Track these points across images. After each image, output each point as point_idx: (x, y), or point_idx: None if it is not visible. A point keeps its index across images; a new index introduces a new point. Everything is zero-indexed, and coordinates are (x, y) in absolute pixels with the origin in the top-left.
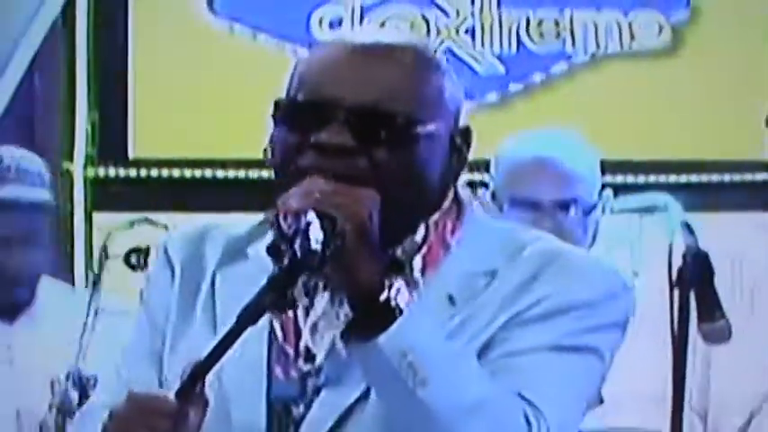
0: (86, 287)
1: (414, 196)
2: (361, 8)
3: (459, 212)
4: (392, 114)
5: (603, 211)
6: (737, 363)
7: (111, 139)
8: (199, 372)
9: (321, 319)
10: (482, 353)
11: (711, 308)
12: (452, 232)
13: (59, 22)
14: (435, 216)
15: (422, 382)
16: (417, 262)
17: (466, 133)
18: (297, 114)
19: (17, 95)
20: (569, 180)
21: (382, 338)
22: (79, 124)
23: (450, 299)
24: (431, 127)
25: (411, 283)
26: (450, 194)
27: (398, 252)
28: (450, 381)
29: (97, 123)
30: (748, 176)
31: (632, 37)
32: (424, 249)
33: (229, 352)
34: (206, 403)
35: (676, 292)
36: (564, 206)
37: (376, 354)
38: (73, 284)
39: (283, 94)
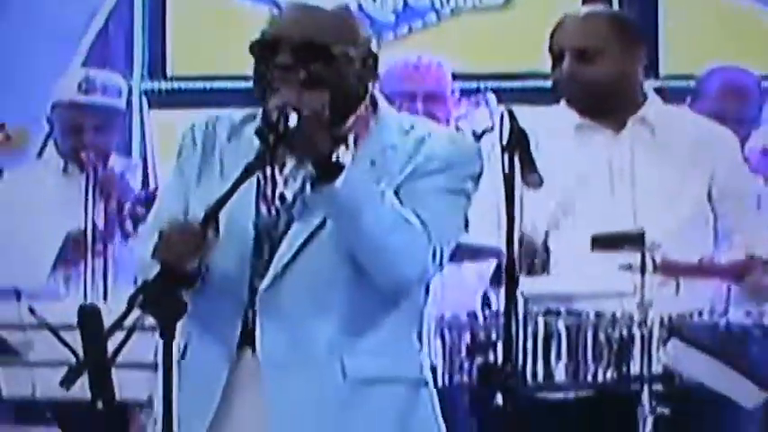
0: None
1: (340, 95)
2: None
3: (375, 107)
4: (315, 42)
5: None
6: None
7: (156, 63)
8: (216, 208)
9: (289, 175)
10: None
11: (529, 165)
12: (371, 119)
13: None
14: (360, 110)
15: (360, 211)
16: (351, 138)
17: (374, 56)
18: (264, 47)
19: (97, 40)
20: (435, 79)
21: (338, 183)
22: (137, 54)
23: (372, 162)
24: (342, 49)
25: (348, 151)
26: (368, 96)
27: (340, 132)
28: (378, 208)
29: (147, 54)
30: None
31: None
32: (354, 131)
33: (234, 196)
34: (218, 229)
35: (506, 155)
36: (431, 96)
37: (334, 194)
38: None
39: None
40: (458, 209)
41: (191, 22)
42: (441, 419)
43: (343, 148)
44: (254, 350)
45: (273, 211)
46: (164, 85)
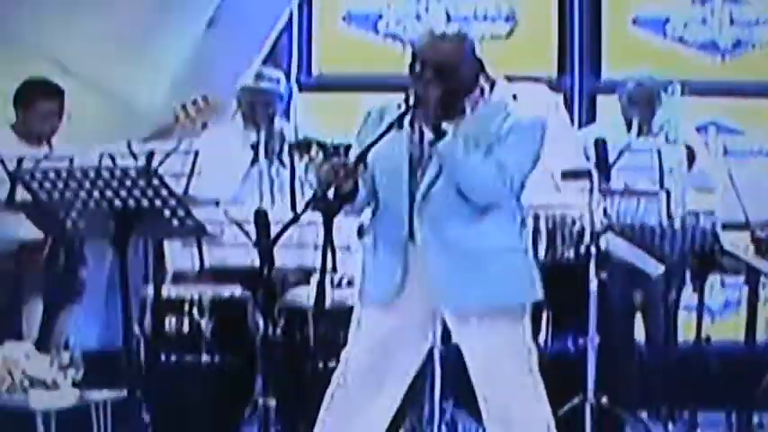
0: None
1: (457, 90)
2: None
3: (483, 93)
4: (449, 65)
5: None
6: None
7: (304, 63)
8: (364, 152)
9: (425, 132)
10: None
11: None
12: (481, 101)
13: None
14: (474, 95)
15: (455, 158)
16: (468, 111)
17: (480, 62)
18: (416, 61)
19: (272, 46)
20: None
21: (441, 143)
22: (294, 57)
23: (477, 128)
24: (462, 66)
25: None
26: (478, 87)
27: (455, 109)
28: (469, 157)
29: (300, 57)
30: None
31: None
32: (470, 106)
33: (398, 148)
34: (366, 165)
35: None
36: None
37: (439, 149)
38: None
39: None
40: (524, 158)
41: (326, 39)
42: (536, 276)
43: (449, 119)
44: (411, 236)
45: (419, 156)
46: (308, 78)
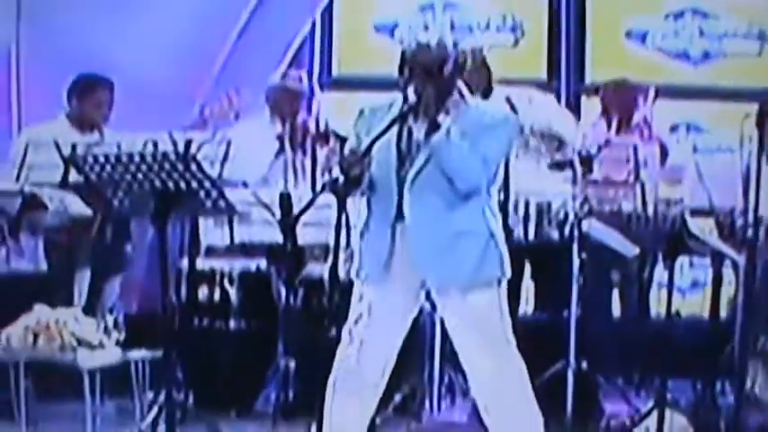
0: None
1: (445, 88)
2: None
3: (463, 96)
4: (435, 65)
5: None
6: None
7: (325, 66)
8: (370, 144)
9: (420, 127)
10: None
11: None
12: (462, 102)
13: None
14: (455, 96)
15: (445, 150)
16: (452, 110)
17: (461, 67)
18: (405, 65)
19: (296, 51)
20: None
21: (436, 135)
22: (317, 59)
23: (461, 125)
24: (446, 68)
25: (448, 117)
26: (457, 90)
27: (443, 106)
28: (457, 149)
29: (322, 59)
30: None
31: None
32: (452, 106)
33: (388, 141)
34: (371, 161)
35: None
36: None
37: (434, 140)
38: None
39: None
40: (501, 150)
41: (345, 45)
42: (504, 258)
43: (443, 114)
44: (400, 215)
45: (406, 148)
46: (329, 78)
